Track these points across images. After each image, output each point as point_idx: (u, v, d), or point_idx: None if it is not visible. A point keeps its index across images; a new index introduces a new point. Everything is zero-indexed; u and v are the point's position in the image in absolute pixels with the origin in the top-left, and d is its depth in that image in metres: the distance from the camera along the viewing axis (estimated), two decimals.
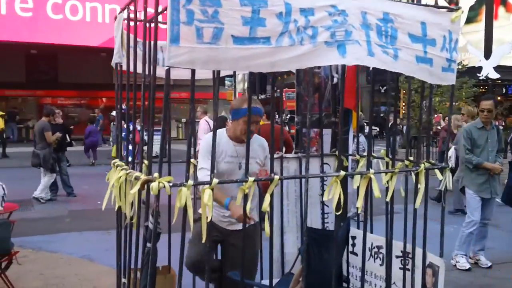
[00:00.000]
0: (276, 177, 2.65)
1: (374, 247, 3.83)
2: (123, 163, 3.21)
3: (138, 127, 11.15)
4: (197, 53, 2.34)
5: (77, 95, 26.17)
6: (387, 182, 3.03)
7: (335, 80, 4.25)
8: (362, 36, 2.62)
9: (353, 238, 4.04)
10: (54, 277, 5.01)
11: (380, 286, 3.71)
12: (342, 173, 2.84)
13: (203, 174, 3.04)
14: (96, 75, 23.14)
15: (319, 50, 2.54)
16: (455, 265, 5.24)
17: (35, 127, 9.41)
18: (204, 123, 9.90)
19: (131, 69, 3.05)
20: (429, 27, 2.79)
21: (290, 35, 2.49)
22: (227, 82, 21.75)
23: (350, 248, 4.05)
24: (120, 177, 2.94)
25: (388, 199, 3.07)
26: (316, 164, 4.08)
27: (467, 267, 5.15)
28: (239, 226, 3.06)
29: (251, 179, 2.60)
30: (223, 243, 3.45)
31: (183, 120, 26.05)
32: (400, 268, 3.47)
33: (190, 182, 2.47)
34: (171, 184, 2.42)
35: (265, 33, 2.45)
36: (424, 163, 3.23)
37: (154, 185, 2.37)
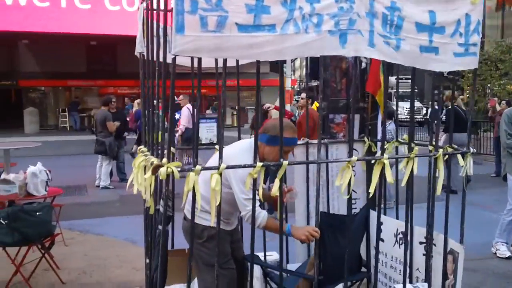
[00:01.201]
0: (285, 162, 2.68)
1: (399, 233, 3.78)
2: (146, 149, 3.34)
3: (177, 116, 11.39)
4: (202, 42, 2.40)
5: (135, 85, 27.07)
6: (403, 168, 2.98)
7: (363, 65, 4.19)
8: (365, 26, 2.59)
9: (380, 224, 4.01)
10: (97, 258, 5.31)
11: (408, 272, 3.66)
12: (354, 158, 2.83)
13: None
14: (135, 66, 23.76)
15: (323, 39, 2.54)
16: (495, 253, 5.07)
17: (97, 116, 9.80)
18: (186, 110, 10.17)
19: (150, 57, 3.15)
20: (438, 15, 2.73)
21: (295, 22, 2.49)
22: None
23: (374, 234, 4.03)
24: (140, 162, 3.07)
25: (403, 184, 3.02)
26: (344, 150, 4.06)
27: (507, 255, 4.98)
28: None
29: (259, 164, 2.64)
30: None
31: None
32: (423, 255, 3.42)
33: (198, 167, 2.55)
34: (179, 169, 2.51)
35: (270, 21, 2.46)
36: (446, 148, 3.16)
37: (162, 170, 2.47)
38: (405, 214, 3.23)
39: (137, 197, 3.30)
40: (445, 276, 3.26)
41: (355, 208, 4.26)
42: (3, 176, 4.85)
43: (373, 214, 4.02)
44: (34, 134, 21.78)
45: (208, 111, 20.43)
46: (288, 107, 16.47)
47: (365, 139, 4.13)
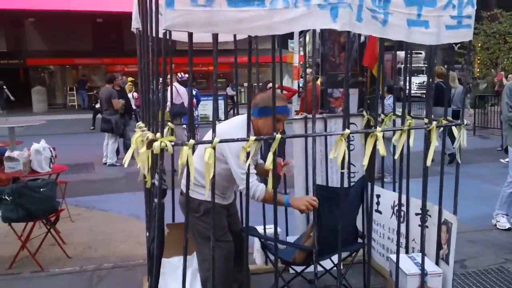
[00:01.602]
0: (278, 136, 2.70)
1: (395, 205, 3.82)
2: (144, 125, 3.37)
3: (193, 92, 11.42)
4: (192, 16, 2.40)
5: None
6: (396, 140, 3.00)
7: (362, 38, 4.17)
8: (355, 0, 2.58)
9: (378, 196, 4.05)
10: (102, 233, 5.41)
11: (401, 242, 3.71)
12: (347, 131, 2.85)
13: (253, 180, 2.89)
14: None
15: (313, 13, 2.53)
16: (495, 225, 5.10)
17: (102, 94, 9.72)
18: (173, 88, 10.16)
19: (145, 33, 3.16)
20: None
21: None
22: (290, 45, 21.55)
23: (375, 206, 4.08)
24: (137, 138, 3.11)
25: (396, 157, 3.05)
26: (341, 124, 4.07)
27: (507, 227, 5.00)
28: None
29: (252, 137, 2.67)
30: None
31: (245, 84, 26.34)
32: (419, 225, 3.46)
33: (192, 141, 2.59)
34: (173, 144, 2.55)
35: None
36: (441, 121, 3.17)
37: (155, 144, 2.51)
38: (398, 186, 3.27)
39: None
40: (439, 246, 3.31)
41: (354, 182, 4.31)
42: (8, 153, 4.92)
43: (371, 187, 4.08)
44: (42, 113, 21.93)
45: (228, 89, 20.36)
46: (296, 84, 16.41)
47: (364, 113, 4.14)
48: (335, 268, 3.39)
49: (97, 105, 12.99)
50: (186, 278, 2.76)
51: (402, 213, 3.69)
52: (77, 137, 13.96)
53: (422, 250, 3.18)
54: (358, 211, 3.43)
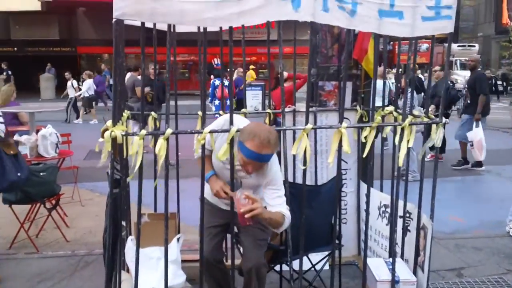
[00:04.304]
0: (234, 128, 2.61)
1: (382, 206, 3.65)
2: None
3: (226, 83, 11.48)
4: (141, 5, 2.37)
5: (186, 52, 27.35)
6: (365, 137, 2.84)
7: (356, 30, 3.98)
8: None
9: (367, 196, 3.87)
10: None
11: (386, 246, 3.55)
12: (309, 126, 2.73)
13: None
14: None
15: (270, 4, 2.43)
16: (508, 232, 4.78)
17: (126, 82, 9.96)
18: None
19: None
20: None
21: None
22: None
23: (364, 206, 3.90)
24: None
25: (364, 155, 2.88)
26: (334, 119, 3.92)
27: None
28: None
29: (206, 129, 2.61)
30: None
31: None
32: (402, 229, 3.28)
33: (143, 131, 2.56)
34: (123, 133, 2.52)
35: None
36: (422, 118, 2.98)
37: (106, 134, 2.49)
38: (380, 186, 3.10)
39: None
40: (417, 252, 3.13)
41: (345, 179, 4.15)
42: (16, 137, 5.09)
43: (363, 186, 3.91)
44: None
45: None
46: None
47: (357, 107, 3.96)
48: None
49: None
50: (162, 269, 2.75)
51: (387, 215, 3.53)
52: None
53: (393, 256, 3.01)
54: (331, 211, 3.29)
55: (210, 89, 12.27)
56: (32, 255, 4.39)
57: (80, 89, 16.28)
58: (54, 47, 26.50)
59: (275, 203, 2.72)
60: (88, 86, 15.79)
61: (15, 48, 27.60)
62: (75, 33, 26.53)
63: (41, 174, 4.55)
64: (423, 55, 19.12)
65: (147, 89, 9.54)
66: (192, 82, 27.48)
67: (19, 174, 3.81)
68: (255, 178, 2.80)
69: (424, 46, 20.10)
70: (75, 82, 16.61)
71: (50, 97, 23.71)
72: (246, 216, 2.49)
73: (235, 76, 12.85)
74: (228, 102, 9.36)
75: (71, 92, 16.37)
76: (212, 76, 13.59)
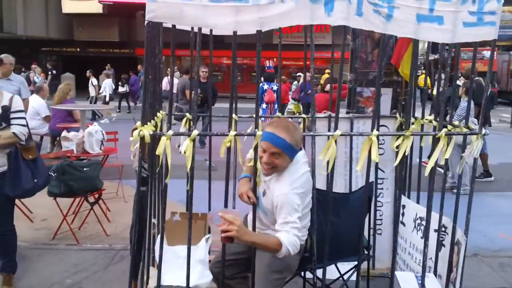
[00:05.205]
0: (232, 133, 2.63)
1: (417, 218, 3.52)
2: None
3: (274, 87, 11.48)
4: (171, 8, 2.42)
5: (241, 55, 27.59)
6: (396, 146, 2.75)
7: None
8: None
9: (403, 207, 3.76)
10: None
11: (420, 260, 3.42)
12: (338, 132, 2.68)
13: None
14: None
15: (303, 8, 2.43)
16: None
17: (178, 85, 10.22)
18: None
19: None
20: None
21: None
22: None
23: (400, 218, 3.79)
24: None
25: (396, 164, 2.79)
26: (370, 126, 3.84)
27: None
28: None
29: (232, 132, 2.62)
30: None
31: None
32: (436, 243, 3.16)
33: (170, 132, 2.60)
34: (151, 133, 2.58)
35: None
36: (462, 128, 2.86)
37: (135, 133, 2.56)
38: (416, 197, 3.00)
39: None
40: (450, 269, 3.00)
41: (381, 189, 4.04)
42: (64, 134, 5.31)
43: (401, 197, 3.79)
44: None
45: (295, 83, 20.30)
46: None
47: (397, 115, 3.86)
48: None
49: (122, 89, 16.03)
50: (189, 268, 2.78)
51: (422, 228, 3.40)
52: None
53: (423, 270, 2.90)
54: (362, 220, 3.21)
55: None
56: (72, 246, 4.56)
57: (99, 88, 16.89)
58: (114, 49, 27.48)
59: (279, 228, 2.52)
60: (105, 86, 16.50)
61: (78, 49, 28.88)
62: (133, 35, 27.36)
63: (84, 169, 4.72)
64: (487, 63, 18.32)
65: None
66: (244, 85, 27.71)
67: (35, 180, 3.64)
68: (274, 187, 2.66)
69: (488, 53, 19.29)
70: (94, 80, 17.24)
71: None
72: (222, 235, 2.41)
73: (301, 81, 12.81)
74: (276, 106, 9.31)
75: (91, 91, 17.04)
76: (262, 79, 13.63)
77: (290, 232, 2.47)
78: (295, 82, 16.34)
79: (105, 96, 16.62)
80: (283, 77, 14.24)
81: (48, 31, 26.89)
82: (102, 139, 5.44)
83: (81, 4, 24.85)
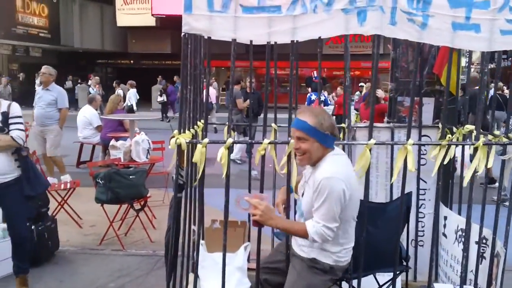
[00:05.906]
0: (266, 141, 2.66)
1: (459, 230, 3.42)
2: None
3: (322, 98, 11.40)
4: (208, 21, 2.51)
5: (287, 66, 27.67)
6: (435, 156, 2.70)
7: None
8: (387, 2, 2.44)
9: (445, 218, 3.66)
10: None
11: (459, 272, 3.32)
12: (372, 141, 2.66)
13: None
14: (308, 46, 24.21)
15: (335, 18, 2.46)
16: None
17: (228, 95, 10.43)
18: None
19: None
20: None
21: (303, 3, 2.48)
22: None
23: (442, 229, 3.69)
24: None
25: (433, 174, 2.74)
26: (413, 135, 3.77)
27: None
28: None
29: (266, 140, 2.66)
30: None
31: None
32: (477, 256, 3.06)
33: (206, 140, 2.67)
34: (187, 141, 2.66)
35: (275, 2, 2.48)
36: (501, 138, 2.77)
37: (172, 141, 2.65)
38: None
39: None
40: (489, 282, 2.90)
41: (423, 200, 3.95)
42: (112, 142, 5.52)
43: (442, 208, 3.70)
44: None
45: (358, 93, 20.09)
46: None
47: (439, 125, 3.77)
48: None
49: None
50: (228, 275, 2.84)
51: (463, 240, 3.31)
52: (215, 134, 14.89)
53: (461, 283, 2.82)
54: (400, 230, 3.15)
55: (306, 103, 12.28)
56: (117, 251, 4.72)
57: (124, 98, 17.23)
58: (166, 60, 28.21)
59: (313, 215, 2.50)
60: (130, 96, 16.87)
61: (132, 61, 29.87)
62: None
63: (130, 177, 4.89)
64: None
65: (247, 102, 9.86)
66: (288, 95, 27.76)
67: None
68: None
69: None
70: (121, 92, 17.58)
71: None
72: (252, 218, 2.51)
73: (364, 91, 12.70)
74: None
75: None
76: (309, 89, 13.63)
77: (315, 221, 2.44)
78: (357, 93, 16.20)
79: (131, 106, 17.00)
80: (338, 88, 14.06)
81: (103, 44, 27.99)
82: (148, 148, 5.61)
83: (135, 17, 25.74)
